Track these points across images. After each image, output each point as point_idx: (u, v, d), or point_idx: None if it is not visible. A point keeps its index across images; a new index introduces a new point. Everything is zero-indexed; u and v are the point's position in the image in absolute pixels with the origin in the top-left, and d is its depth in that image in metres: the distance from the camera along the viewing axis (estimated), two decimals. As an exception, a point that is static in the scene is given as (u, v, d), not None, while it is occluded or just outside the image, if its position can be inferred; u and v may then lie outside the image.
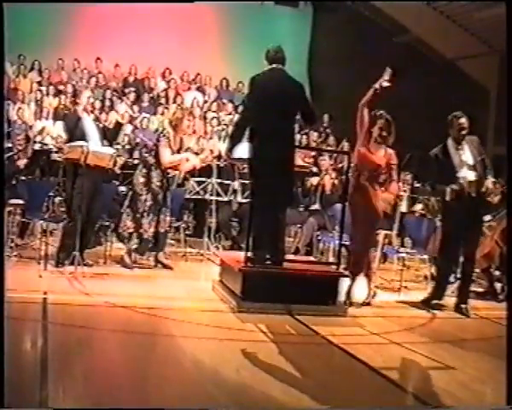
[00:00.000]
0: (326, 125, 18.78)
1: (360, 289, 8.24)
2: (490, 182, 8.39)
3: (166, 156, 9.51)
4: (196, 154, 10.52)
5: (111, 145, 9.49)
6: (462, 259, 8.72)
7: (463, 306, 8.47)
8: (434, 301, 8.63)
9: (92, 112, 9.49)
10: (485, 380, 5.77)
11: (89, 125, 9.23)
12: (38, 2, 16.99)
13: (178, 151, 9.75)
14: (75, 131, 9.05)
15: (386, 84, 7.97)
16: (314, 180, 12.47)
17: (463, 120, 8.43)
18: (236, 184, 11.36)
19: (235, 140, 8.12)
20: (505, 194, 11.17)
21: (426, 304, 8.61)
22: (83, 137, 8.96)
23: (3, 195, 8.02)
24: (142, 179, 9.56)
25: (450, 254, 8.62)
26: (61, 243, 9.13)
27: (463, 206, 8.20)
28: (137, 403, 4.51)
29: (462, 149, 8.40)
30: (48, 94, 16.45)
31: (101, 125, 9.59)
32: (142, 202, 9.48)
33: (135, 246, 9.54)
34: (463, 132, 8.42)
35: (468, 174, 8.29)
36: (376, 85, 8.04)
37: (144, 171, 9.60)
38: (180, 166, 9.72)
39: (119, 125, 9.48)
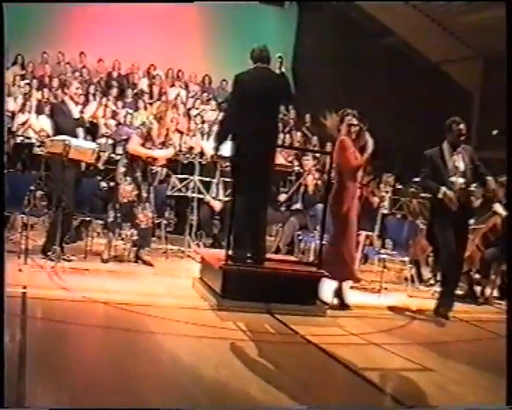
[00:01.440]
0: (308, 125, 18.82)
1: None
2: (492, 183, 8.46)
3: (134, 144, 9.54)
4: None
5: (94, 139, 9.45)
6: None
7: (445, 310, 8.45)
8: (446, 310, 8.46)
9: (78, 103, 9.46)
10: (462, 382, 5.78)
11: (72, 114, 9.24)
12: (38, 2, 16.95)
13: (163, 144, 9.76)
14: (57, 119, 9.03)
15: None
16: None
17: (462, 126, 8.41)
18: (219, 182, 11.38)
19: (221, 139, 8.13)
20: (487, 198, 11.23)
21: (437, 313, 8.43)
22: (72, 131, 8.98)
23: (3, 193, 7.99)
24: (122, 169, 9.57)
25: (453, 258, 8.48)
26: (48, 235, 9.13)
27: (452, 212, 8.22)
28: (115, 399, 4.49)
29: (456, 155, 8.39)
30: (31, 87, 16.39)
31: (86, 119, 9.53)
32: (123, 193, 9.48)
33: (135, 237, 9.58)
34: (462, 138, 8.41)
35: (458, 180, 8.32)
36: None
37: (125, 161, 9.61)
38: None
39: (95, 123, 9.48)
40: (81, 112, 9.46)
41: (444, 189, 8.18)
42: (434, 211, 8.60)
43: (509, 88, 5.81)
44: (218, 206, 11.83)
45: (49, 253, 8.85)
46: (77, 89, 9.45)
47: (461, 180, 8.32)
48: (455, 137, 8.39)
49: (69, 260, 9.07)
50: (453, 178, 8.30)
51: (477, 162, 8.50)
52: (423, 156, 8.52)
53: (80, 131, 9.21)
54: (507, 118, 5.73)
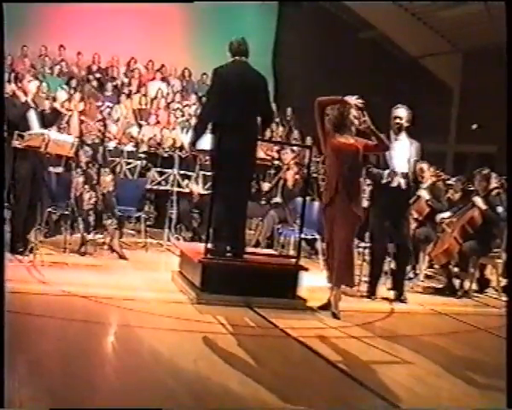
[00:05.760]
0: (289, 119, 18.83)
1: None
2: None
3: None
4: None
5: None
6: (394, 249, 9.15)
7: (402, 296, 8.84)
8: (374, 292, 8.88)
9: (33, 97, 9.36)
10: (441, 374, 5.80)
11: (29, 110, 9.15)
12: (38, 2, 16.86)
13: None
14: (9, 112, 8.94)
15: (354, 102, 7.68)
16: (266, 187, 12.48)
17: (398, 112, 8.73)
18: (199, 175, 11.39)
19: (198, 132, 8.11)
20: (466, 191, 11.29)
21: (368, 296, 8.86)
22: (21, 121, 8.92)
23: (3, 192, 7.95)
24: (73, 164, 9.72)
25: (380, 243, 8.89)
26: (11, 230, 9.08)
27: (391, 196, 8.56)
28: (94, 393, 4.49)
29: (399, 141, 8.69)
30: (10, 81, 16.27)
31: (38, 110, 9.39)
32: (76, 186, 9.52)
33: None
34: (397, 121, 8.68)
35: (399, 166, 8.62)
36: (345, 98, 7.74)
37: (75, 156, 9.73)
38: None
39: (56, 112, 9.36)
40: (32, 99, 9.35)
41: (386, 173, 8.54)
42: (375, 196, 8.93)
43: (509, 87, 5.85)
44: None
45: (20, 249, 8.84)
46: (29, 82, 9.36)
47: (402, 166, 8.63)
48: (393, 122, 8.70)
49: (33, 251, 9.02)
50: (394, 163, 8.60)
51: (418, 160, 8.91)
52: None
53: (31, 115, 9.08)
54: (507, 117, 5.76)
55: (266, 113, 8.24)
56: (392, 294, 8.90)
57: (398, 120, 8.63)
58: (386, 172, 8.52)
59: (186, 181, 11.34)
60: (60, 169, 10.74)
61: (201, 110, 9.23)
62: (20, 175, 8.88)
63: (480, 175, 10.01)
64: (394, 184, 8.53)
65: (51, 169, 10.37)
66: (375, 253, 8.90)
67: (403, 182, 8.55)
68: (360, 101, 7.54)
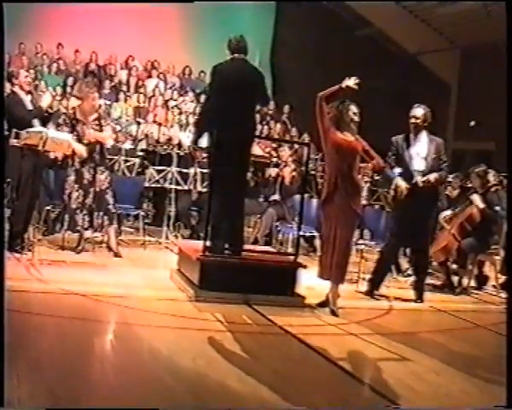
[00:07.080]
0: (287, 116, 18.82)
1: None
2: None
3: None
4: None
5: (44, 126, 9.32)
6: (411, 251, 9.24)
7: (421, 298, 8.73)
8: (375, 291, 8.82)
9: (30, 92, 9.34)
10: (440, 371, 5.81)
11: (25, 103, 9.15)
12: (38, 2, 16.82)
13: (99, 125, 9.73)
14: (12, 111, 8.88)
15: (352, 83, 7.64)
16: (273, 172, 12.50)
17: (415, 111, 8.67)
18: (197, 173, 11.37)
19: (200, 130, 8.13)
20: (464, 188, 11.30)
21: (368, 294, 8.80)
22: (20, 116, 8.90)
23: (3, 192, 7.94)
24: (70, 162, 9.66)
25: (394, 243, 8.85)
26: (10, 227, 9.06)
27: (412, 196, 8.38)
28: (93, 391, 4.48)
29: (418, 141, 8.63)
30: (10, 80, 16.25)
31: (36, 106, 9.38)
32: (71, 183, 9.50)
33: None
34: (413, 121, 8.63)
35: (418, 165, 8.55)
36: (343, 85, 7.71)
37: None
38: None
39: (41, 111, 9.32)
40: (34, 101, 9.33)
41: (395, 181, 8.42)
42: (396, 200, 8.80)
43: (509, 85, 5.85)
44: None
45: (18, 247, 8.82)
46: (25, 77, 9.36)
47: (421, 164, 8.54)
48: (410, 123, 8.65)
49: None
50: (413, 162, 8.55)
51: (442, 157, 8.70)
52: (390, 142, 8.66)
53: (36, 121, 9.07)
54: (507, 114, 5.76)
55: (262, 99, 8.38)
56: (391, 291, 8.91)
57: (413, 120, 8.57)
58: (393, 185, 8.46)
59: (192, 169, 11.30)
60: (59, 155, 10.69)
61: (202, 108, 9.23)
62: (23, 173, 8.86)
63: (474, 173, 10.03)
64: (413, 181, 8.46)
65: (51, 155, 10.39)
66: (387, 254, 8.84)
67: (419, 179, 8.48)
68: (355, 79, 7.53)
